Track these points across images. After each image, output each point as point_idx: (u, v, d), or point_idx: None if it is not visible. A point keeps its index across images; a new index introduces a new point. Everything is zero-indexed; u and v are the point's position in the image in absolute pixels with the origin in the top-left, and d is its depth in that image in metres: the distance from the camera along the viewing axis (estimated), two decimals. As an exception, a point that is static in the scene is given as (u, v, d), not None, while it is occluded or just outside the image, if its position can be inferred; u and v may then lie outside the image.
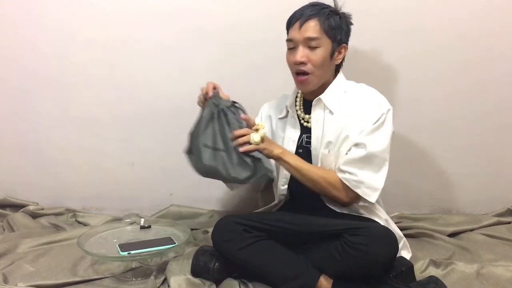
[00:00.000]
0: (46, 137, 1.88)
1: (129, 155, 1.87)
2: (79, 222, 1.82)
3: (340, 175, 1.25)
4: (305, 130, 1.36)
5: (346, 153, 1.25)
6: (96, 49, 1.78)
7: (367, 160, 1.23)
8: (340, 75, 1.36)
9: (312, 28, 1.25)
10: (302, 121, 1.37)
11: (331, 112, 1.31)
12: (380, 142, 1.24)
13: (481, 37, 1.70)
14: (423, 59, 1.72)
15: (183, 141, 1.83)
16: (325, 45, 1.27)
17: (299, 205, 1.36)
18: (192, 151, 1.27)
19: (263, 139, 1.22)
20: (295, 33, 1.27)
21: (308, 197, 1.33)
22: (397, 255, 1.25)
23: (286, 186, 1.39)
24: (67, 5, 1.76)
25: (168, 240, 1.38)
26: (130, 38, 1.77)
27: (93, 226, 1.70)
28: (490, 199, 1.84)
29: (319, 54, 1.26)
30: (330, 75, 1.33)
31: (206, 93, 1.23)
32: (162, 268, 1.38)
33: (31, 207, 1.87)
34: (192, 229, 1.62)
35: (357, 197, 1.26)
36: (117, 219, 1.78)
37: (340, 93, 1.33)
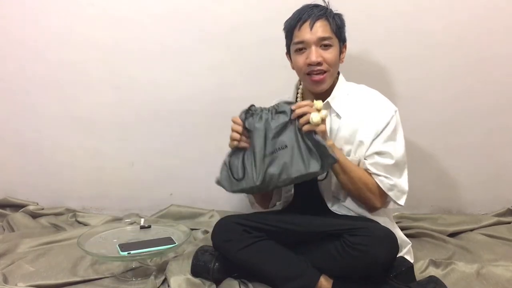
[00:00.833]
0: (46, 137, 1.88)
1: (129, 155, 1.87)
2: (79, 222, 1.82)
3: (375, 178, 1.24)
4: None
5: (365, 159, 1.25)
6: (96, 49, 1.78)
7: (395, 167, 1.24)
8: (341, 76, 1.36)
9: (323, 27, 1.26)
10: None
11: (338, 115, 1.29)
12: (400, 147, 1.26)
13: (480, 39, 1.70)
14: (423, 60, 1.72)
15: (183, 141, 1.85)
16: (335, 44, 1.28)
17: (301, 207, 1.34)
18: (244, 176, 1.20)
19: (323, 121, 1.15)
20: (307, 34, 1.26)
21: (311, 201, 1.32)
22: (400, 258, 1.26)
23: (292, 192, 1.38)
24: (67, 5, 1.76)
25: (168, 240, 1.38)
26: (131, 38, 1.77)
27: (93, 226, 1.70)
28: (490, 199, 1.84)
29: (333, 53, 1.27)
30: (336, 75, 1.33)
31: (236, 124, 1.19)
32: (162, 268, 1.38)
33: (31, 207, 1.87)
34: (192, 229, 1.62)
35: (387, 202, 1.27)
36: (117, 219, 1.78)
37: (344, 95, 1.32)
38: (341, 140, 1.28)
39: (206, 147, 1.85)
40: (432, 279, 1.22)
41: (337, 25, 1.29)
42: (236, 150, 1.21)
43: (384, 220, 1.32)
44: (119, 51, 1.78)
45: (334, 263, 1.19)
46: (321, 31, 1.26)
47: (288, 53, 1.35)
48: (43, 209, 1.89)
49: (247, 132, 1.19)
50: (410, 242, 1.38)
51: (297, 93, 1.39)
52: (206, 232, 1.67)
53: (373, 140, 1.25)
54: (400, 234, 1.36)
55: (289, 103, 1.18)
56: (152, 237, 1.42)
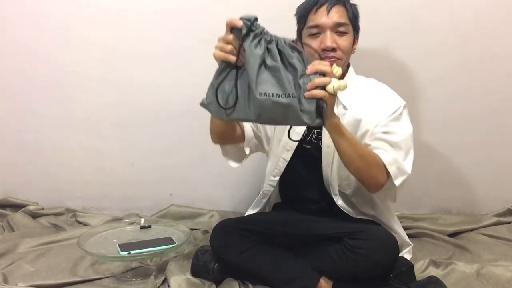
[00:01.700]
0: (46, 137, 1.88)
1: (129, 155, 1.87)
2: (79, 222, 1.82)
3: (378, 151, 1.16)
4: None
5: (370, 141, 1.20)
6: (96, 49, 1.78)
7: (399, 147, 1.18)
8: (352, 69, 1.31)
9: (340, 13, 1.22)
10: None
11: (345, 107, 1.25)
12: (406, 129, 1.21)
13: (481, 38, 1.70)
14: (423, 60, 1.72)
15: (183, 141, 1.85)
16: (350, 32, 1.24)
17: (302, 203, 1.33)
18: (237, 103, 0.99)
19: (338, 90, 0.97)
20: (323, 18, 1.21)
21: (311, 190, 1.31)
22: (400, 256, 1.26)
23: (277, 178, 1.34)
24: (67, 5, 1.76)
25: (168, 240, 1.38)
26: (130, 38, 1.77)
27: (93, 226, 1.70)
28: (490, 199, 1.84)
29: (348, 40, 1.23)
30: (346, 66, 1.30)
31: (232, 27, 0.97)
32: (162, 268, 1.38)
33: (31, 207, 1.87)
34: (192, 229, 1.62)
35: (387, 180, 1.16)
36: (117, 219, 1.78)
37: (353, 87, 1.26)
38: None
39: (206, 147, 1.83)
40: (432, 279, 1.22)
41: (354, 13, 1.25)
42: (226, 69, 0.99)
43: (387, 219, 1.32)
44: (119, 51, 1.78)
45: (334, 265, 1.19)
46: (337, 16, 1.21)
47: (299, 39, 1.28)
48: (43, 209, 1.89)
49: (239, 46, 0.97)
50: (411, 243, 1.38)
51: None
52: (206, 232, 1.67)
53: (378, 124, 1.21)
54: (402, 234, 1.36)
55: (298, 51, 0.97)
56: (152, 237, 1.42)
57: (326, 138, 1.24)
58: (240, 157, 1.35)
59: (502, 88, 1.74)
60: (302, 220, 1.27)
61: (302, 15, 1.26)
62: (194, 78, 1.81)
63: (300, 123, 0.97)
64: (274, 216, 1.38)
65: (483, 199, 1.84)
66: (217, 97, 0.99)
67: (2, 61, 1.82)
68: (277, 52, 0.95)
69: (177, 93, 1.79)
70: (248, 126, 1.33)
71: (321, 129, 1.27)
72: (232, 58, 0.97)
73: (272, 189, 1.38)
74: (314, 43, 1.21)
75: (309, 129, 1.29)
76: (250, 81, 0.95)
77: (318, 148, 1.28)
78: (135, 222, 1.56)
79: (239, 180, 1.85)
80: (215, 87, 0.99)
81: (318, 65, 0.96)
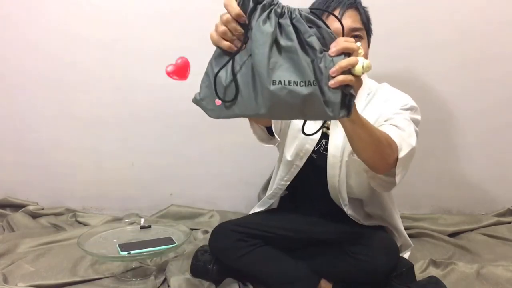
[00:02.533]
0: (46, 137, 1.88)
1: (129, 155, 1.87)
2: (79, 222, 1.82)
3: (386, 127, 1.08)
4: (324, 136, 1.24)
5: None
6: (96, 49, 1.78)
7: (409, 123, 1.14)
8: (365, 74, 1.18)
9: (354, 17, 1.15)
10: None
11: None
12: (415, 117, 1.19)
13: (481, 37, 1.70)
14: (423, 60, 1.72)
15: (183, 141, 1.85)
16: (364, 37, 1.17)
17: (306, 208, 1.31)
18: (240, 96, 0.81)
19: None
20: (335, 23, 0.90)
21: (317, 199, 1.28)
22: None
23: (288, 182, 1.30)
24: (67, 5, 1.76)
25: (168, 240, 1.38)
26: (130, 38, 1.77)
27: (93, 226, 1.70)
28: (490, 199, 1.84)
29: (363, 46, 1.13)
30: None
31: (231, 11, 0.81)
32: (162, 268, 1.38)
33: (31, 207, 1.87)
34: (192, 229, 1.62)
35: (397, 158, 1.04)
36: (117, 219, 1.78)
37: (364, 95, 1.23)
38: None
39: (206, 147, 1.85)
40: (432, 279, 1.22)
41: (367, 17, 1.19)
42: (223, 55, 0.82)
43: (394, 220, 1.31)
44: (119, 51, 1.78)
45: (333, 269, 1.19)
46: (351, 21, 1.13)
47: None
48: (43, 209, 1.89)
49: (242, 27, 0.80)
50: (412, 244, 1.38)
51: None
52: (206, 232, 1.67)
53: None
54: (405, 235, 1.36)
55: (317, 25, 0.78)
56: (152, 237, 1.42)
57: (332, 148, 1.21)
58: (268, 139, 1.23)
59: (502, 88, 1.74)
60: (303, 224, 1.25)
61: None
62: (194, 78, 1.81)
63: (321, 117, 0.79)
64: (274, 219, 1.33)
65: (483, 199, 1.84)
66: (215, 88, 0.81)
67: (2, 60, 1.82)
68: (292, 29, 0.76)
69: (177, 93, 1.78)
70: None
71: (328, 138, 1.22)
72: (224, 44, 0.80)
73: (281, 191, 1.34)
74: None
75: (320, 138, 1.23)
76: (258, 67, 0.76)
77: (324, 159, 1.23)
78: (135, 222, 1.56)
79: (239, 180, 1.85)
80: (213, 78, 0.82)
81: (345, 42, 0.77)
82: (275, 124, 1.20)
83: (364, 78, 1.21)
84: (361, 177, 1.18)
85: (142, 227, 1.52)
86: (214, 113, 0.85)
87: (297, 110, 0.78)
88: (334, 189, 1.23)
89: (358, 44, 0.80)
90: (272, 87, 0.75)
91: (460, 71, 1.73)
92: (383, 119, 1.15)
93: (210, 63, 0.84)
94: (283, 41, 0.76)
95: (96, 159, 1.88)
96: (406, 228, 1.66)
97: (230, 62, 0.80)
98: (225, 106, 0.82)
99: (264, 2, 0.77)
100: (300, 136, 1.23)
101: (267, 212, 1.39)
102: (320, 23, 0.78)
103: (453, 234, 1.68)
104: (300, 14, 0.77)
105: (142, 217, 1.63)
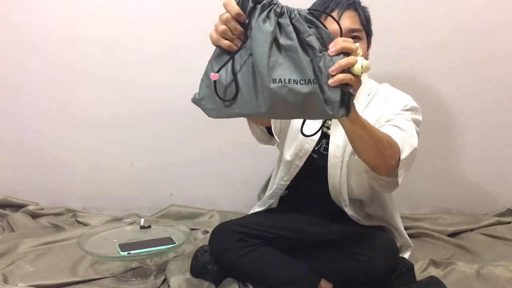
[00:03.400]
0: (46, 137, 1.87)
1: (129, 155, 1.87)
2: (79, 222, 1.82)
3: (388, 128, 1.08)
4: (325, 135, 1.24)
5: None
6: (96, 49, 1.78)
7: (410, 124, 1.15)
8: (365, 74, 1.12)
9: (352, 18, 1.14)
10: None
11: None
12: (417, 117, 1.19)
13: (481, 37, 1.70)
14: (422, 59, 1.72)
15: (183, 141, 1.85)
16: (364, 38, 1.17)
17: (306, 208, 1.30)
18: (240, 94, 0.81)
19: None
20: (334, 25, 0.94)
21: (317, 200, 1.28)
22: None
23: (288, 182, 1.30)
24: (67, 5, 1.76)
25: (168, 240, 1.38)
26: (130, 38, 1.77)
27: (93, 226, 1.70)
28: (490, 199, 1.84)
29: (362, 47, 1.13)
30: None
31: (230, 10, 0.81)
32: (162, 268, 1.38)
33: (31, 207, 1.87)
34: (192, 229, 1.62)
35: (399, 160, 1.04)
36: (117, 219, 1.78)
37: (365, 96, 1.22)
38: None
39: (206, 147, 1.85)
40: (432, 279, 1.22)
41: (367, 17, 1.18)
42: (224, 54, 0.82)
43: (394, 220, 1.31)
44: (119, 51, 1.78)
45: (333, 270, 1.19)
46: (350, 22, 1.13)
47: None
48: (43, 209, 1.89)
49: (242, 26, 0.81)
50: (412, 244, 1.38)
51: None
52: (206, 232, 1.67)
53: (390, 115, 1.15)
54: (406, 235, 1.36)
55: (316, 25, 0.80)
56: (152, 237, 1.42)
57: (333, 148, 1.21)
58: (267, 140, 1.23)
59: (502, 88, 1.74)
60: (303, 224, 1.25)
61: None
62: (194, 78, 1.81)
63: (321, 115, 0.80)
64: (274, 219, 1.32)
65: (483, 199, 1.84)
66: (215, 88, 0.81)
67: (2, 60, 1.82)
68: (291, 28, 0.77)
69: (177, 93, 1.79)
70: None
71: (328, 138, 1.22)
72: (224, 43, 0.80)
73: (281, 191, 1.34)
74: None
75: (320, 137, 1.23)
76: (259, 66, 0.76)
77: (325, 159, 1.23)
78: (135, 222, 1.56)
79: (239, 180, 1.85)
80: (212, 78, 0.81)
81: (343, 42, 0.79)
82: (274, 124, 1.20)
83: (364, 78, 1.21)
84: (362, 177, 1.18)
85: (142, 227, 1.52)
86: (213, 112, 0.85)
87: (297, 108, 0.79)
88: (335, 190, 1.23)
89: (357, 44, 0.81)
90: (273, 85, 0.76)
91: (460, 71, 1.73)
92: (384, 120, 1.15)
93: (210, 62, 0.84)
94: (283, 40, 0.78)
95: (96, 159, 1.88)
96: (406, 228, 1.66)
97: (230, 62, 0.81)
98: (225, 105, 0.82)
99: (264, 1, 0.78)
100: (299, 136, 1.22)
101: (267, 212, 1.38)
102: (318, 23, 0.80)
103: (453, 234, 1.68)
104: (299, 14, 0.79)
105: (142, 217, 1.63)
